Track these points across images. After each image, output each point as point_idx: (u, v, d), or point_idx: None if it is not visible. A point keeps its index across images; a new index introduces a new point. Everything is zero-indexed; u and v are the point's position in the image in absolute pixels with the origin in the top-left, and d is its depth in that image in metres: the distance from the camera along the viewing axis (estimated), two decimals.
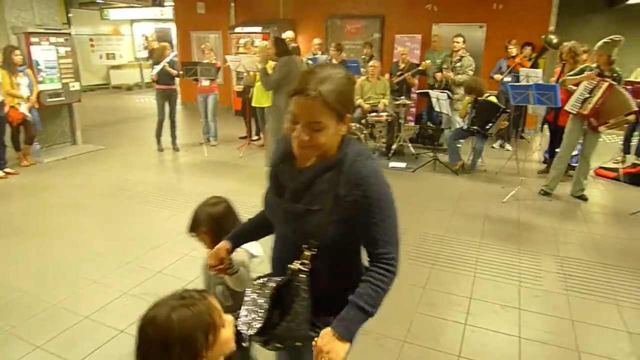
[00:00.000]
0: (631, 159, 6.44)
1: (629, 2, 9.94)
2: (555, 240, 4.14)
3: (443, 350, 2.67)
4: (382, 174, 1.36)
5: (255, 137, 7.80)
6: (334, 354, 1.24)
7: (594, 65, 4.88)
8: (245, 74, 7.31)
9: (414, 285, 3.35)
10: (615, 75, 4.74)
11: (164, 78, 6.92)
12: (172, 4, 11.76)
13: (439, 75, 7.16)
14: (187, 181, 6.05)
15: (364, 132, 6.69)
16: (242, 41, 9.28)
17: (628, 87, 5.52)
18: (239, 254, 1.80)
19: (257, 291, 1.48)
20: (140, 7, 12.92)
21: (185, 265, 3.63)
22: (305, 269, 1.37)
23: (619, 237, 4.28)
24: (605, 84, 4.65)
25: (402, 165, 6.49)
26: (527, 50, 7.18)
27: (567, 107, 4.95)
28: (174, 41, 12.36)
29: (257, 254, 1.96)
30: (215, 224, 1.87)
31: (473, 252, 3.91)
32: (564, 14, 8.70)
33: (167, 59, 6.86)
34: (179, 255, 3.77)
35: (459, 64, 6.95)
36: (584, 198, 5.13)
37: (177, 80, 7.25)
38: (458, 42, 6.96)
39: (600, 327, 2.90)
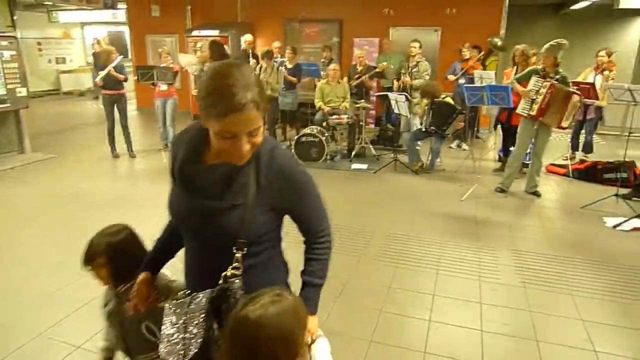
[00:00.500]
0: (579, 156, 6.79)
1: (572, 8, 10.51)
2: (511, 235, 4.30)
3: (409, 348, 2.71)
4: (297, 161, 1.41)
5: None
6: (313, 329, 1.37)
7: (540, 67, 5.12)
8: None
9: (380, 285, 3.38)
10: (559, 77, 4.99)
11: (111, 83, 6.67)
12: (125, 6, 11.41)
13: (396, 83, 7.34)
14: (144, 188, 5.86)
15: (326, 134, 6.72)
16: (199, 45, 9.14)
17: (574, 87, 5.84)
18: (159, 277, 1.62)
19: (180, 311, 1.32)
20: (91, 10, 12.44)
21: None
22: (239, 273, 1.31)
23: (570, 230, 4.49)
24: (547, 84, 4.89)
25: (364, 166, 6.57)
26: (474, 52, 7.46)
27: (518, 111, 5.17)
28: (128, 45, 12.01)
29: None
30: (115, 254, 1.66)
31: (435, 249, 4.00)
32: (514, 19, 9.10)
33: (114, 64, 6.62)
34: None
35: (415, 69, 7.11)
36: (537, 194, 5.36)
37: (127, 85, 7.01)
38: (415, 48, 7.11)
39: (556, 317, 3.03)
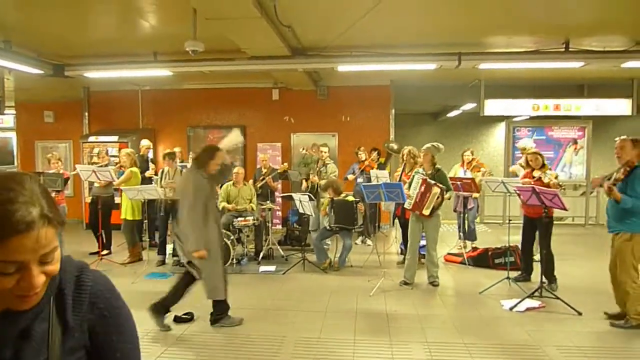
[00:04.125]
0: (469, 244, 7.33)
1: (448, 116, 12.12)
2: (421, 327, 4.33)
3: None
4: (115, 287, 1.09)
5: (104, 252, 7.04)
6: None
7: (421, 169, 5.71)
8: (96, 184, 6.83)
9: None
10: (436, 171, 5.61)
11: None
12: (14, 112, 10.81)
13: (305, 182, 7.67)
14: None
15: (231, 237, 6.55)
16: (95, 150, 8.81)
17: (458, 182, 6.52)
18: None
19: None
20: None
21: None
22: None
23: (472, 316, 4.66)
24: (421, 179, 5.43)
25: (272, 268, 6.41)
26: (374, 154, 8.13)
27: (405, 205, 5.68)
28: (15, 151, 11.18)
29: None
30: None
31: (349, 350, 3.85)
32: (401, 125, 10.21)
33: None
34: None
35: (324, 169, 7.59)
36: (435, 284, 5.59)
37: None
38: (324, 152, 7.81)
39: None
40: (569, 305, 4.63)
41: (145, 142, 8.09)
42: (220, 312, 4.36)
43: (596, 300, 4.65)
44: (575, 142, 9.82)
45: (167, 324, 4.24)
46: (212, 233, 4.18)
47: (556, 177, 5.55)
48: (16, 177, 0.91)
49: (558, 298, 4.77)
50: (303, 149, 8.96)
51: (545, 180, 5.28)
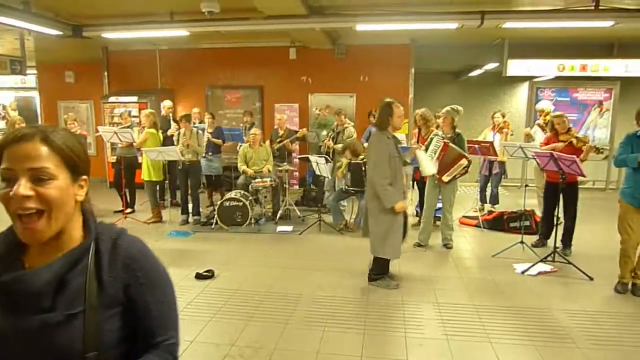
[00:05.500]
0: (487, 207, 7.36)
1: (469, 75, 11.79)
2: (432, 288, 4.47)
3: None
4: (151, 251, 1.16)
5: (128, 210, 7.32)
6: None
7: (440, 132, 5.64)
8: (119, 144, 6.99)
9: (308, 351, 3.30)
10: (454, 135, 5.56)
11: None
12: (36, 72, 10.96)
13: (327, 142, 7.66)
14: None
15: (249, 198, 6.71)
16: (117, 111, 8.95)
17: (475, 145, 6.45)
18: None
19: None
20: None
21: None
22: None
23: (484, 279, 4.76)
24: (442, 143, 5.38)
25: (289, 228, 6.58)
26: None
27: (423, 173, 5.60)
28: (38, 111, 11.42)
29: None
30: None
31: (361, 310, 4.02)
32: (420, 84, 10.00)
33: None
34: None
35: (342, 134, 7.52)
36: (448, 247, 5.67)
37: None
38: (343, 118, 7.63)
39: None
40: (580, 270, 4.69)
41: (167, 103, 8.16)
42: (378, 272, 4.52)
43: (608, 266, 4.67)
44: (600, 103, 9.53)
45: (394, 282, 4.54)
46: (397, 193, 4.27)
47: (589, 142, 5.32)
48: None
49: (570, 263, 4.82)
50: (316, 109, 8.89)
51: (578, 144, 5.15)
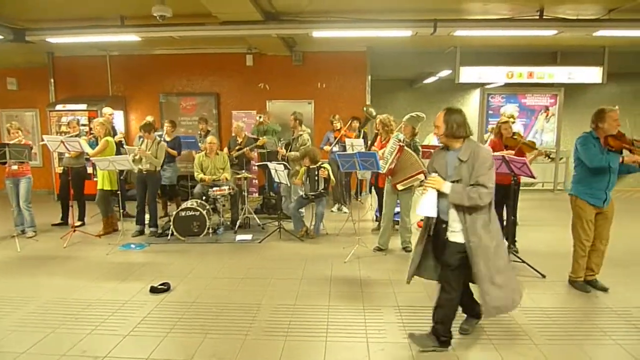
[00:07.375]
0: None
1: (424, 82, 12.10)
2: (392, 292, 4.48)
3: None
4: None
5: (78, 223, 6.95)
6: None
7: (401, 135, 5.69)
8: (66, 154, 6.65)
9: None
10: (411, 143, 5.64)
11: None
12: None
13: (280, 150, 7.58)
14: None
15: (207, 207, 6.54)
16: (65, 119, 8.53)
17: (431, 150, 6.56)
18: None
19: None
20: None
21: None
22: None
23: None
24: (397, 146, 5.44)
25: (249, 237, 6.46)
26: (355, 123, 8.02)
27: (380, 170, 5.63)
28: None
29: None
30: None
31: (323, 316, 3.96)
32: (377, 92, 10.16)
33: None
34: None
35: (296, 140, 7.45)
36: (408, 250, 5.74)
37: None
38: (296, 121, 7.52)
39: None
40: (533, 268, 4.84)
41: (108, 110, 7.83)
42: (446, 335, 3.46)
43: (560, 264, 4.85)
44: (547, 109, 10.01)
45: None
46: None
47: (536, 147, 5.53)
48: None
49: (524, 262, 4.97)
50: (259, 116, 8.51)
51: (526, 150, 5.34)
